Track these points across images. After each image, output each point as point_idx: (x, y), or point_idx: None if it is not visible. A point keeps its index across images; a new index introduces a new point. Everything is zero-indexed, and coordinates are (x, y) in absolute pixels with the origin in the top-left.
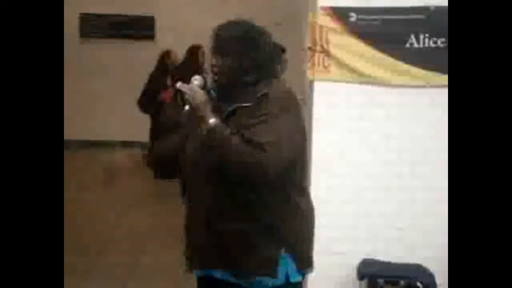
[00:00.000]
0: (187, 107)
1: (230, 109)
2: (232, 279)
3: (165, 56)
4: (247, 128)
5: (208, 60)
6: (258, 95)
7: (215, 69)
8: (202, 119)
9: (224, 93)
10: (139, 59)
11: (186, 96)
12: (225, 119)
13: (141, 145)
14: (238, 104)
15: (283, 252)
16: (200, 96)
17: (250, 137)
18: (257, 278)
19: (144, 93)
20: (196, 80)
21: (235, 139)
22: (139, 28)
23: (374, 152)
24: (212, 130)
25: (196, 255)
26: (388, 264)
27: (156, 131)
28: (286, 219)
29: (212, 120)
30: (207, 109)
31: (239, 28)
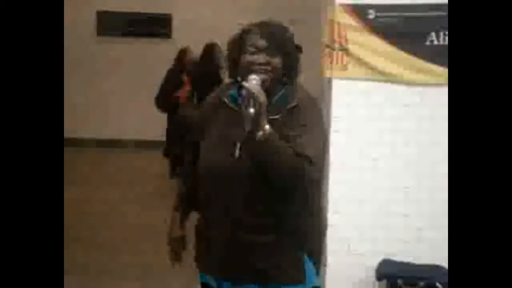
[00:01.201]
0: (251, 110)
1: (278, 116)
2: None
3: (182, 54)
4: (290, 137)
5: (222, 58)
6: (295, 100)
7: (268, 68)
8: (259, 124)
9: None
10: (156, 57)
11: (251, 94)
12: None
13: (155, 144)
14: (282, 109)
15: (305, 256)
16: (263, 96)
17: (296, 147)
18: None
19: (161, 92)
20: (255, 79)
21: (288, 150)
22: (156, 26)
23: (393, 151)
24: (269, 136)
25: (221, 265)
26: (407, 264)
27: (171, 131)
28: (308, 222)
29: (267, 126)
30: (265, 113)
31: (285, 29)
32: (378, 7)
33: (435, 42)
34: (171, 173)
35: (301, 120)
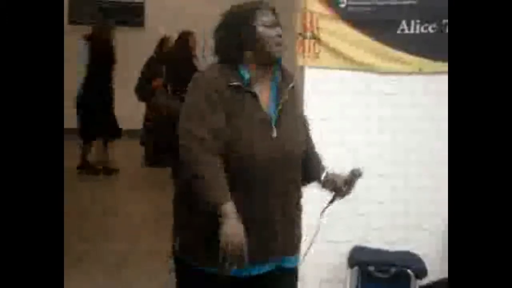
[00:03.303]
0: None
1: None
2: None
3: (162, 43)
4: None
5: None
6: (293, 80)
7: (281, 40)
8: None
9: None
10: (128, 45)
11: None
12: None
13: (131, 133)
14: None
15: None
16: None
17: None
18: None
19: (140, 81)
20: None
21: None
22: (128, 14)
23: (367, 139)
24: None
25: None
26: (379, 251)
27: (149, 119)
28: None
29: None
30: None
31: None
32: None
33: (406, 31)
34: (146, 161)
35: (296, 101)
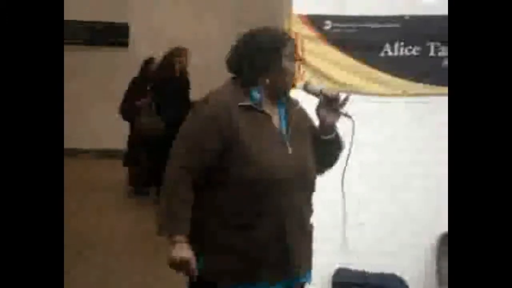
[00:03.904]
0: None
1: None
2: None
3: (147, 63)
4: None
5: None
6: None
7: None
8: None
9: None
10: (113, 66)
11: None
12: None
13: (113, 153)
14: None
15: None
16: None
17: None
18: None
19: (125, 100)
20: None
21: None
22: (113, 35)
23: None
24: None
25: (274, 268)
26: (362, 273)
27: (133, 139)
28: None
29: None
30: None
31: None
32: (334, 18)
33: (390, 53)
34: (130, 182)
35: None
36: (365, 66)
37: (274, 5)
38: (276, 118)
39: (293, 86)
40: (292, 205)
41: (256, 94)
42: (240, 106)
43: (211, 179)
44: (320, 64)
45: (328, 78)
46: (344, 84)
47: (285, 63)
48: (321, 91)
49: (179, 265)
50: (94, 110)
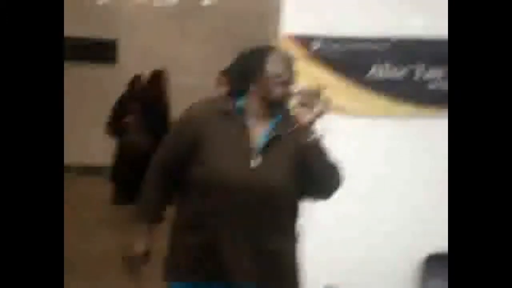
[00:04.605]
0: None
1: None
2: None
3: (135, 80)
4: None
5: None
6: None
7: (286, 80)
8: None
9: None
10: (101, 82)
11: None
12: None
13: (97, 169)
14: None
15: None
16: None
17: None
18: None
19: (112, 117)
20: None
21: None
22: (101, 51)
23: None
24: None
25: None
26: None
27: (119, 156)
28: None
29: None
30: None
31: None
32: (323, 39)
33: (377, 75)
34: (115, 199)
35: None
36: (351, 86)
37: (262, 25)
38: (258, 130)
39: (288, 98)
40: (241, 221)
41: (240, 103)
42: (220, 112)
43: (181, 179)
44: (307, 84)
45: None
46: (333, 105)
47: (270, 70)
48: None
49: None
50: (80, 127)
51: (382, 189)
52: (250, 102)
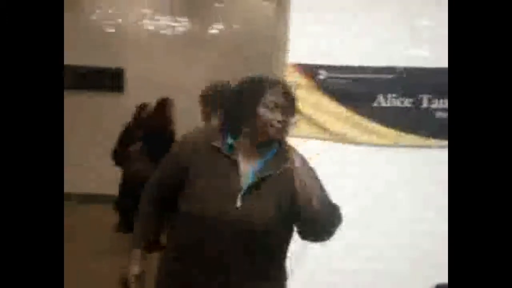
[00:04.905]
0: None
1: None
2: None
3: (141, 108)
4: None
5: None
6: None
7: (279, 126)
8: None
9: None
10: (107, 111)
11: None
12: None
13: (101, 198)
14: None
15: None
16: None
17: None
18: None
19: (118, 145)
20: None
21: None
22: (108, 80)
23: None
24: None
25: None
26: None
27: (123, 185)
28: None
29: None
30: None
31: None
32: (328, 68)
33: (383, 104)
34: (119, 227)
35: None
36: (358, 116)
37: (269, 53)
38: (247, 167)
39: (281, 136)
40: (224, 258)
41: (231, 141)
42: (210, 148)
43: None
44: (314, 113)
45: (321, 127)
46: (336, 134)
47: (261, 111)
48: None
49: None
50: (86, 155)
51: (388, 216)
52: (241, 141)
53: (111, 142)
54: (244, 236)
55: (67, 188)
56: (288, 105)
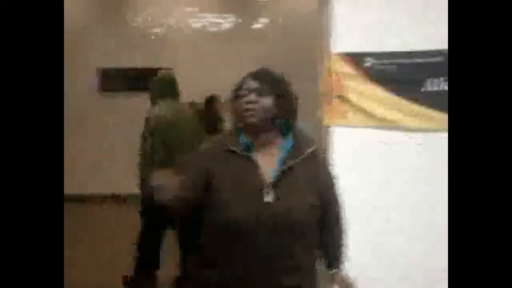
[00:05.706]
0: None
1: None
2: None
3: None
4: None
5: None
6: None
7: (255, 106)
8: None
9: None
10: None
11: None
12: None
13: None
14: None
15: None
16: None
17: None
18: None
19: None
20: None
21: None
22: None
23: (399, 198)
24: None
25: None
26: None
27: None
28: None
29: None
30: None
31: (278, 73)
32: (374, 55)
33: (432, 88)
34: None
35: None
36: (406, 101)
37: (313, 44)
38: (268, 163)
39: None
40: (258, 255)
41: (244, 139)
42: (227, 152)
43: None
44: (363, 102)
45: (371, 115)
46: (386, 120)
47: (232, 103)
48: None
49: None
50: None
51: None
52: (247, 135)
53: None
54: (279, 229)
55: (111, 189)
56: (262, 87)
